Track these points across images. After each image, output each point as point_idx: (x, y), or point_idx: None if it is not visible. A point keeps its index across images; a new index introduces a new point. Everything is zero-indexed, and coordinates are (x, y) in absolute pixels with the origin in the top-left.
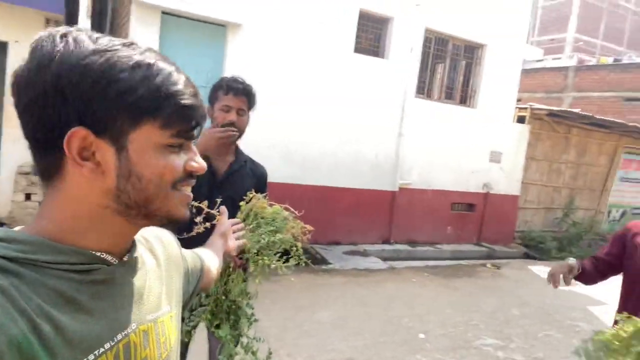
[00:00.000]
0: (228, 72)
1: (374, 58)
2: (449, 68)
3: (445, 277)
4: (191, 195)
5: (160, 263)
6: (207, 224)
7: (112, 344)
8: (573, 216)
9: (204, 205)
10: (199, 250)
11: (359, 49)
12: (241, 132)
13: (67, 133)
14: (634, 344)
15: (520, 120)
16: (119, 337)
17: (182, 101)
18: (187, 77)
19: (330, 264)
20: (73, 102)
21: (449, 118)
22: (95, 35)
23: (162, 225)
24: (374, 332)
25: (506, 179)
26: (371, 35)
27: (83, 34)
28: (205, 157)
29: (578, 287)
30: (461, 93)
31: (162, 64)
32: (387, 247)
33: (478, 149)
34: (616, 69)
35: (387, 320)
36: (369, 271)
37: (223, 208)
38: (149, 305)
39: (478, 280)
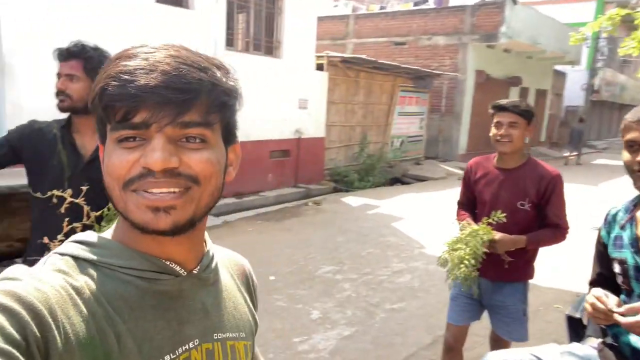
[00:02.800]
0: (4, 29)
1: (179, 8)
2: (254, 18)
3: (276, 221)
4: (155, 197)
5: (241, 291)
6: (86, 220)
7: (173, 356)
8: (367, 150)
9: (68, 194)
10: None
11: None
12: (73, 99)
13: None
14: (469, 239)
15: (319, 67)
16: (180, 350)
17: (105, 86)
18: (146, 59)
19: None
20: None
21: (259, 69)
22: (144, 45)
23: (144, 233)
24: None
25: (314, 124)
26: None
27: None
28: (70, 138)
29: (381, 208)
30: (266, 44)
31: (120, 54)
32: None
33: (288, 98)
34: (387, 17)
35: None
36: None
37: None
38: (217, 324)
39: (305, 218)
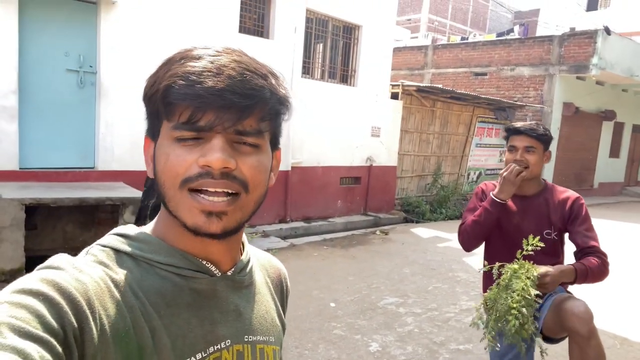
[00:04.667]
0: (104, 54)
1: (259, 38)
2: (330, 48)
3: (342, 248)
4: (210, 202)
5: (273, 296)
6: None
7: (204, 355)
8: (441, 181)
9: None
10: None
11: (243, 29)
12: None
13: None
14: (512, 283)
15: (394, 96)
16: (211, 349)
17: (173, 85)
18: (213, 62)
19: None
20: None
21: (333, 96)
22: (207, 47)
23: (193, 234)
24: (289, 307)
25: (386, 152)
26: (255, 15)
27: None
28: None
29: (452, 242)
30: (342, 72)
31: (185, 53)
32: (284, 225)
33: (360, 125)
34: (467, 47)
35: (298, 295)
36: (271, 251)
37: None
38: (248, 327)
39: (371, 247)
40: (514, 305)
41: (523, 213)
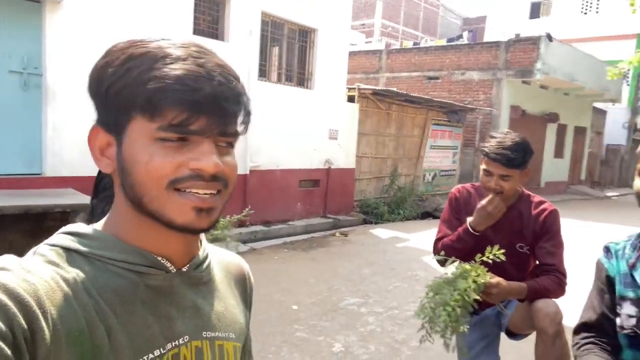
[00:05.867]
0: (50, 56)
1: (214, 41)
2: (287, 51)
3: (302, 251)
4: (204, 199)
5: (234, 293)
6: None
7: (163, 351)
8: (398, 182)
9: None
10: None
11: (197, 31)
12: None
13: None
14: (458, 282)
15: (350, 99)
16: (169, 346)
17: (162, 86)
18: (198, 61)
19: None
20: (93, 102)
21: (290, 99)
22: (150, 40)
23: (176, 231)
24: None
25: (344, 154)
26: (209, 17)
27: (126, 41)
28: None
29: (411, 241)
30: (298, 75)
31: (157, 51)
32: (244, 230)
33: (318, 128)
34: (419, 52)
35: (259, 299)
36: None
37: None
38: (206, 323)
39: (331, 249)
40: (451, 303)
41: (496, 227)
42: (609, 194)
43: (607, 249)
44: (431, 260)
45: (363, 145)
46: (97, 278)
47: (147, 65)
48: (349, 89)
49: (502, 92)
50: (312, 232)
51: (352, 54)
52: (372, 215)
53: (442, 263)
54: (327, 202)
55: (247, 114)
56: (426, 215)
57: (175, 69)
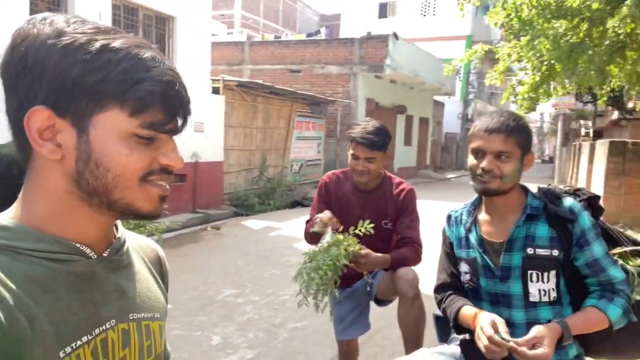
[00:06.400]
0: None
1: None
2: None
3: (173, 248)
4: (167, 189)
5: (154, 275)
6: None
7: (90, 337)
8: (266, 173)
9: None
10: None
11: (34, 11)
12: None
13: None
14: (331, 249)
15: (215, 91)
16: (97, 331)
17: (154, 89)
18: (169, 66)
19: None
20: (38, 82)
21: None
22: (75, 19)
23: (132, 219)
24: None
25: (211, 147)
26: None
27: (61, 18)
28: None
29: (282, 230)
30: None
31: (137, 50)
32: None
33: None
34: (281, 46)
35: None
36: None
37: None
38: (132, 305)
39: (203, 243)
40: (323, 267)
41: (364, 206)
42: (449, 176)
43: (448, 218)
44: (303, 246)
45: (230, 138)
46: (13, 269)
47: (131, 63)
48: (214, 80)
49: (358, 85)
50: (181, 229)
51: (214, 45)
52: (243, 207)
53: (317, 236)
54: (196, 197)
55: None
56: (295, 204)
57: (164, 74)
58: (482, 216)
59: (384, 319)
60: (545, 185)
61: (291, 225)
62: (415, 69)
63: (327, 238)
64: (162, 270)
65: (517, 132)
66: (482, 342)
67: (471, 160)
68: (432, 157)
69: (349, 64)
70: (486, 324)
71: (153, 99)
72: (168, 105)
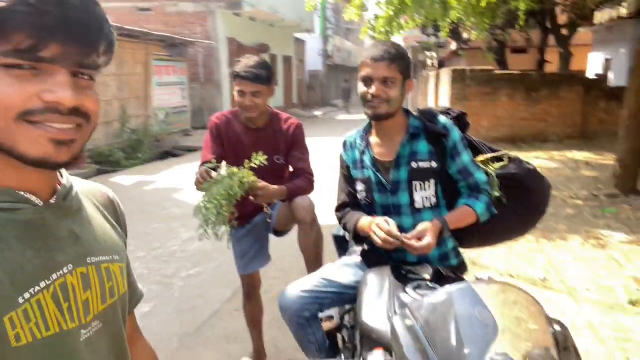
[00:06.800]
0: None
1: None
2: None
3: None
4: (63, 131)
5: (107, 218)
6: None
7: (48, 282)
8: (129, 125)
9: None
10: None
11: None
12: None
13: None
14: (225, 181)
15: None
16: (54, 277)
17: (9, 8)
18: None
19: None
20: None
21: None
22: None
23: (29, 165)
24: None
25: None
26: None
27: None
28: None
29: (158, 182)
30: None
31: None
32: None
33: None
34: None
35: None
36: None
37: None
38: (88, 249)
39: None
40: (217, 197)
41: (256, 144)
42: (316, 113)
43: (344, 143)
44: (183, 196)
45: None
46: None
47: None
48: None
49: (217, 24)
50: None
51: None
52: (108, 164)
53: (212, 172)
54: None
55: (110, 44)
56: (166, 155)
57: None
58: (373, 139)
59: (274, 254)
60: (422, 107)
61: (166, 177)
62: (274, 6)
63: (222, 171)
64: (116, 213)
65: (399, 59)
66: (378, 236)
67: (361, 87)
68: (299, 96)
69: (205, 1)
70: (382, 221)
71: (5, 17)
72: (30, 25)
